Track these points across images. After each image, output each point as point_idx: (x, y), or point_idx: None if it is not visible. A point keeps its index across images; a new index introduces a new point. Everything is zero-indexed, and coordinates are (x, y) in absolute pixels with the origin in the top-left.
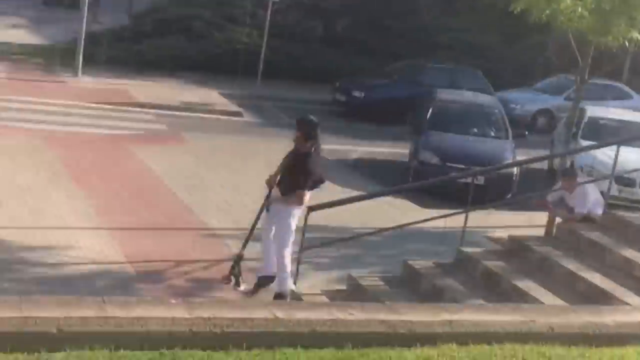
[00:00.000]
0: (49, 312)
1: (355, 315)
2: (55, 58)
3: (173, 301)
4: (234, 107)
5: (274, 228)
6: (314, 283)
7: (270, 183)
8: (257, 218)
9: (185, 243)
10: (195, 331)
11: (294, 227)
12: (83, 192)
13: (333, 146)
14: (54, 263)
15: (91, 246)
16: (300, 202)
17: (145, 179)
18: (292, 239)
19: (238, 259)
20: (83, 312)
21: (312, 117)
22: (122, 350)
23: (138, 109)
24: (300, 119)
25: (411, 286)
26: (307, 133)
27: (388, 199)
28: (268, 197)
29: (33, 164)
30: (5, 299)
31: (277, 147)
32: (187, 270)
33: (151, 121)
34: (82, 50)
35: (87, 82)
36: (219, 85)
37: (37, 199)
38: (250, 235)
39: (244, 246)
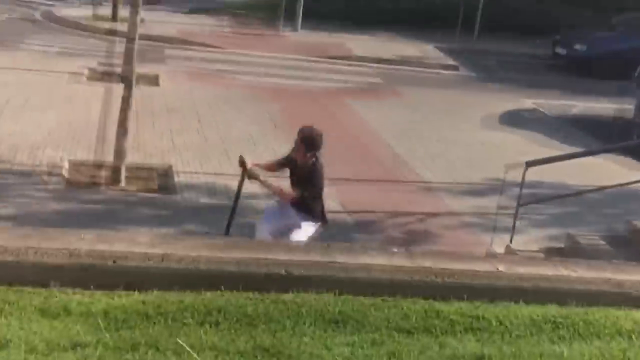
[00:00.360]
0: (278, 255)
1: (579, 273)
2: (275, 13)
3: (395, 250)
4: (450, 61)
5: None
6: (530, 240)
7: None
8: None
9: (401, 195)
10: (417, 280)
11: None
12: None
13: (552, 101)
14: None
15: None
16: (282, 196)
17: (362, 132)
18: None
19: None
20: (309, 256)
21: (315, 128)
22: (345, 295)
23: (355, 63)
24: (303, 129)
25: (636, 247)
26: (308, 145)
27: (610, 156)
28: (242, 183)
29: (255, 115)
30: (237, 241)
31: (494, 101)
32: (403, 222)
33: (367, 74)
34: (302, 4)
35: (305, 36)
36: (435, 39)
37: (258, 149)
38: (232, 218)
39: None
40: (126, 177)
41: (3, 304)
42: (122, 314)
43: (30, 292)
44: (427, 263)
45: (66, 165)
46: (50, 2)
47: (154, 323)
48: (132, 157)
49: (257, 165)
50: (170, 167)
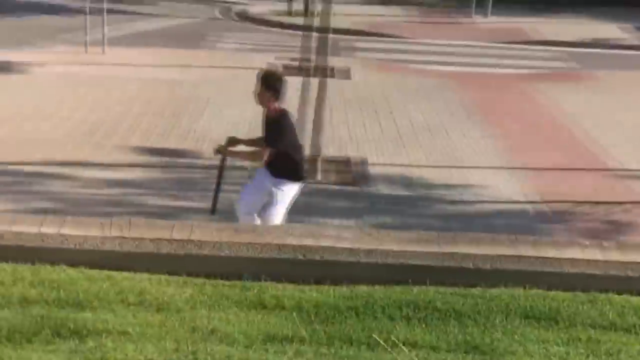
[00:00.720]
0: (464, 248)
1: None
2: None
3: (587, 243)
4: None
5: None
6: None
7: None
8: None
9: (601, 184)
10: (610, 274)
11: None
12: (495, 131)
13: None
14: (464, 200)
15: (500, 185)
16: (255, 159)
17: (557, 118)
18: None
19: None
20: (495, 249)
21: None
22: (535, 290)
23: (547, 48)
24: (262, 70)
25: None
26: (270, 86)
27: None
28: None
29: (447, 103)
30: (425, 235)
31: None
32: (603, 212)
33: (560, 59)
34: None
35: (496, 21)
36: (629, 19)
37: (453, 137)
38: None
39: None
40: (322, 170)
41: (203, 296)
42: (314, 307)
43: (244, 286)
44: (621, 256)
45: None
46: (245, 0)
47: (346, 317)
48: (327, 150)
49: (240, 141)
50: (364, 158)
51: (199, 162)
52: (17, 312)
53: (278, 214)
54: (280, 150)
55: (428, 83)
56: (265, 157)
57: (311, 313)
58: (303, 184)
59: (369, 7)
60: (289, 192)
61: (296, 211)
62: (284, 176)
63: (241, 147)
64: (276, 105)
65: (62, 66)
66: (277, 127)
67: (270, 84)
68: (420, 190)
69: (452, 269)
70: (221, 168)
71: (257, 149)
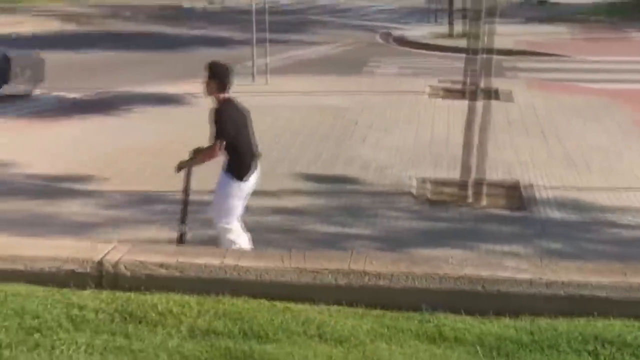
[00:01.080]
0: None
1: None
2: (617, 14)
3: None
4: None
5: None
6: None
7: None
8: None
9: None
10: None
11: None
12: None
13: None
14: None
15: None
16: (209, 156)
17: None
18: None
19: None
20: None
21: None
22: None
23: None
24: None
25: None
26: (214, 75)
27: None
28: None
29: (615, 123)
30: (609, 265)
31: None
32: None
33: None
34: None
35: None
36: None
37: (622, 159)
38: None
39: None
40: (487, 194)
41: (382, 328)
42: (496, 340)
43: (422, 318)
44: None
45: (414, 183)
46: (393, 25)
47: (530, 351)
48: (494, 173)
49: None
50: (532, 182)
51: (364, 188)
52: (204, 344)
53: (215, 208)
54: (228, 141)
55: (596, 102)
56: (218, 150)
57: (493, 347)
58: (246, 186)
59: (530, 26)
60: (230, 190)
61: (465, 237)
62: (228, 171)
63: None
64: (222, 95)
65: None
66: (219, 116)
67: (215, 74)
68: (593, 215)
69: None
70: (186, 183)
71: (209, 146)
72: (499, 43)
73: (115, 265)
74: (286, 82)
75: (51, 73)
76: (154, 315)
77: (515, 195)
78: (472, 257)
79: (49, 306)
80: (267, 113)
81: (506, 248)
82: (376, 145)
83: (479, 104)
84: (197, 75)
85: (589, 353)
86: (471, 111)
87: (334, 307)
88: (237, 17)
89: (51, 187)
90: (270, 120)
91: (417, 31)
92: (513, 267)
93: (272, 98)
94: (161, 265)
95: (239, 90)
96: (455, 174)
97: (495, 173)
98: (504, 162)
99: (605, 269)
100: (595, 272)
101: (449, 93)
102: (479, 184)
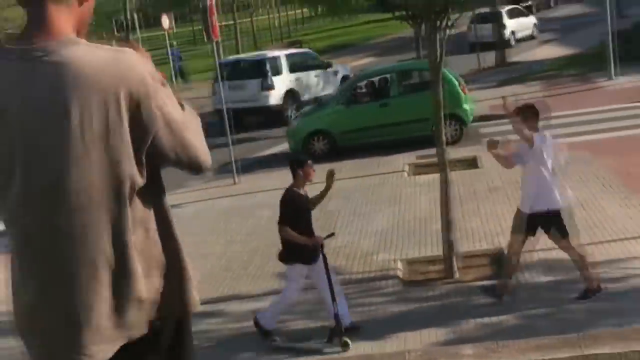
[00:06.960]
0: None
1: None
2: (586, 65)
3: None
4: None
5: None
6: None
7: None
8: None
9: None
10: None
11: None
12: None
13: None
14: (616, 277)
15: None
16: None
17: None
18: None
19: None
20: None
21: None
22: None
23: None
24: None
25: None
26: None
27: None
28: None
29: (580, 176)
30: (564, 337)
31: None
32: None
33: None
34: (611, 51)
35: (623, 83)
36: None
37: (590, 212)
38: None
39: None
40: (460, 268)
41: None
42: None
43: None
44: None
45: (399, 265)
46: None
47: None
48: (464, 245)
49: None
50: (502, 249)
51: (350, 277)
52: None
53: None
54: (285, 231)
55: (576, 156)
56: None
57: None
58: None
59: (502, 88)
60: (293, 278)
61: (436, 317)
62: (291, 258)
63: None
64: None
65: (213, 201)
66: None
67: (292, 168)
68: (567, 276)
69: None
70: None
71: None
72: (476, 111)
73: None
74: (258, 180)
75: None
76: None
77: (501, 263)
78: (432, 350)
79: None
80: (245, 214)
81: (494, 319)
82: (357, 232)
83: (454, 175)
84: (182, 185)
85: None
86: (429, 185)
87: None
88: None
89: None
90: (253, 222)
91: None
92: (470, 354)
93: (247, 198)
94: None
95: (220, 193)
96: (434, 250)
97: (479, 244)
98: (488, 232)
99: (564, 343)
100: (552, 348)
101: (421, 169)
102: (466, 257)
